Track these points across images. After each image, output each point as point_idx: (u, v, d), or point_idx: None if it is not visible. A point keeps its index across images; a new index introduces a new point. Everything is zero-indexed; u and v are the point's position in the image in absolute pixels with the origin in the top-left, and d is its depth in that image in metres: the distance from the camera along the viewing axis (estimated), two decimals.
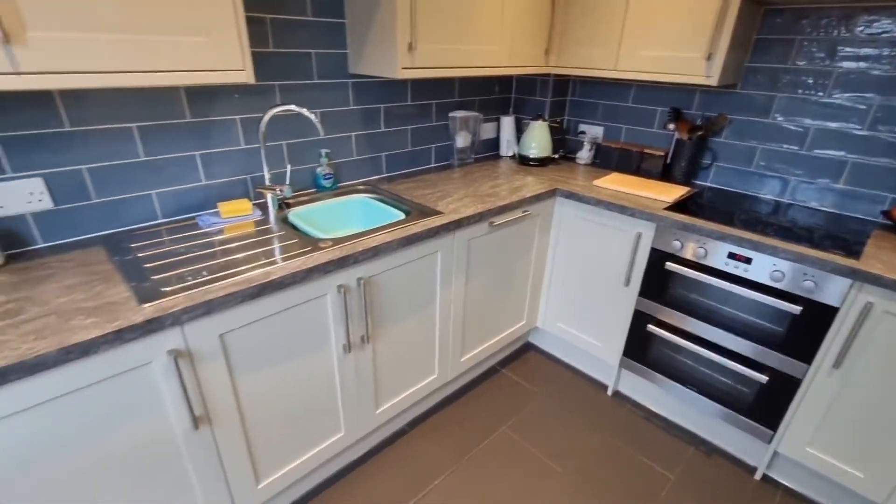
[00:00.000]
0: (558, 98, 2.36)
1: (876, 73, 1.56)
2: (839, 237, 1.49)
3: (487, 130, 2.41)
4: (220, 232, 1.38)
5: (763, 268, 1.47)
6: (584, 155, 2.33)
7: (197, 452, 1.15)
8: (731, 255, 1.53)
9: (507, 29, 1.82)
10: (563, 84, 2.35)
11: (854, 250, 1.38)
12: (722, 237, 1.52)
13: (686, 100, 2.02)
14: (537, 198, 1.85)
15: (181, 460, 1.13)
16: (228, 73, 1.15)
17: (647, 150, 2.11)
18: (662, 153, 2.07)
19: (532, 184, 1.96)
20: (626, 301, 1.87)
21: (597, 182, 1.98)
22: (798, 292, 1.41)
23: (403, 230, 1.43)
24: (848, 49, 1.60)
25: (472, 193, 1.81)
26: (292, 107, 1.42)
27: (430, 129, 2.12)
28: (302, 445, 1.43)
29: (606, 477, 1.67)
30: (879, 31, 1.53)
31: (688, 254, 1.63)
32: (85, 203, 1.29)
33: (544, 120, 2.22)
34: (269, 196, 1.53)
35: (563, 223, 1.99)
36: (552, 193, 1.93)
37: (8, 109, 1.12)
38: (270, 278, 1.13)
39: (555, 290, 2.13)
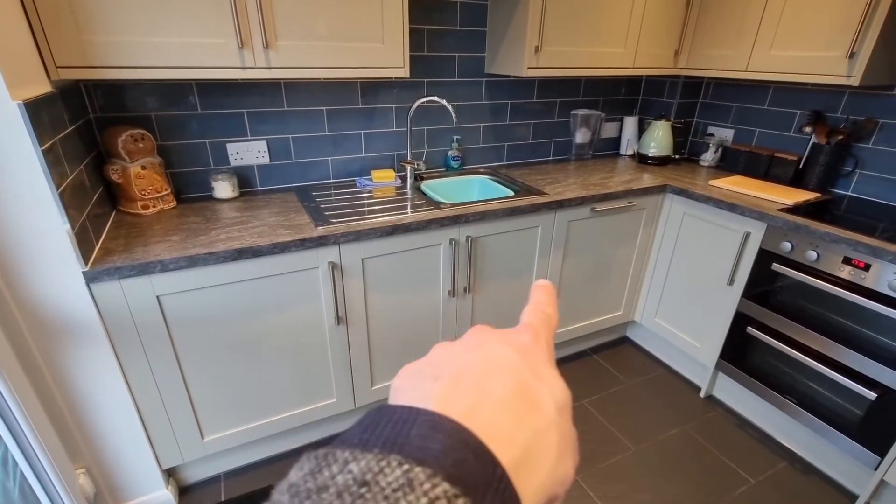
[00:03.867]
0: (688, 100, 2.37)
1: None
2: None
3: (609, 129, 2.53)
4: (371, 192, 1.81)
5: (882, 275, 1.39)
6: (709, 157, 2.30)
7: (336, 342, 1.58)
8: (847, 260, 1.46)
9: (634, 31, 1.95)
10: (694, 86, 2.35)
11: None
12: (837, 240, 1.47)
13: (832, 102, 1.90)
14: (644, 191, 1.95)
15: (325, 345, 1.57)
16: (393, 70, 1.56)
17: (778, 154, 2.03)
18: (795, 158, 1.97)
19: (644, 178, 2.06)
20: (728, 301, 1.86)
21: (714, 182, 1.99)
22: None
23: (509, 203, 1.70)
24: None
25: (580, 182, 1.99)
26: (435, 98, 1.79)
27: (551, 125, 2.34)
28: None
29: (679, 463, 1.71)
30: None
31: (798, 256, 1.59)
32: (287, 162, 1.84)
33: (668, 119, 2.27)
34: (408, 169, 1.93)
35: (671, 219, 2.04)
36: (662, 189, 2.00)
37: (255, 93, 1.68)
38: (401, 222, 1.50)
39: (655, 286, 2.17)
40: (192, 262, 1.25)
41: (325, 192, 1.79)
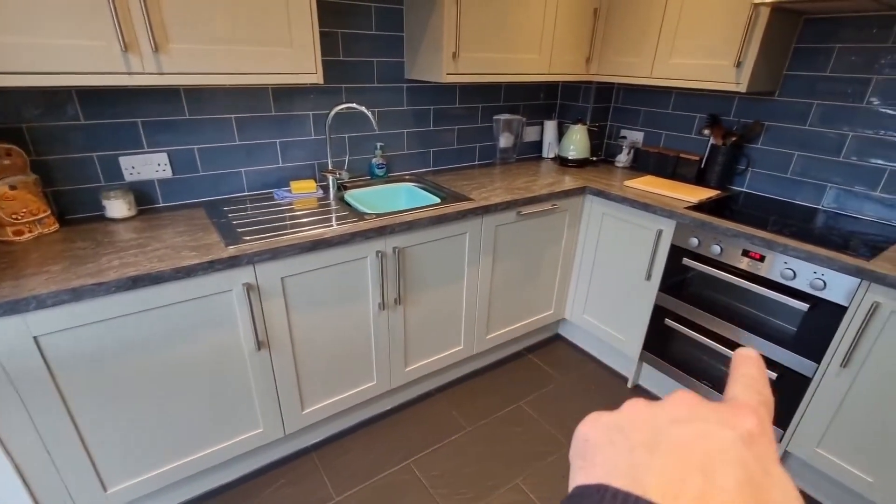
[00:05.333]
0: (601, 104, 2.50)
1: None
2: (862, 241, 1.51)
3: (531, 133, 2.59)
4: (290, 204, 1.71)
5: (775, 265, 1.53)
6: (623, 158, 2.43)
7: (258, 369, 1.46)
8: (746, 253, 1.60)
9: (548, 39, 2.01)
10: (606, 91, 2.48)
11: (870, 253, 1.41)
12: (736, 234, 1.59)
13: (725, 106, 2.08)
14: (566, 193, 2.01)
15: (246, 373, 1.45)
16: (304, 76, 1.47)
17: (682, 155, 2.19)
18: (697, 158, 2.13)
19: (565, 181, 2.13)
20: (647, 295, 1.97)
21: (628, 182, 2.10)
22: (808, 290, 1.46)
23: (435, 211, 1.68)
24: (887, 57, 1.60)
25: (505, 186, 2.01)
26: (353, 104, 1.73)
27: (475, 130, 2.36)
28: (340, 385, 1.71)
29: None
30: None
31: (704, 250, 1.71)
32: (194, 175, 1.68)
33: (584, 124, 2.37)
34: (330, 178, 1.84)
35: (592, 219, 2.12)
36: (582, 190, 2.08)
37: (149, 101, 1.52)
38: (323, 237, 1.42)
39: (582, 284, 2.26)
40: (77, 295, 1.10)
41: (239, 206, 1.66)
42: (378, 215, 1.61)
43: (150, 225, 1.48)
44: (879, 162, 1.68)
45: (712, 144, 2.07)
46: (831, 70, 1.74)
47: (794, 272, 1.48)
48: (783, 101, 1.89)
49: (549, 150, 2.59)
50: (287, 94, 1.76)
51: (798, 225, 1.65)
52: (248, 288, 1.34)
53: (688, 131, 2.24)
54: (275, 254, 1.34)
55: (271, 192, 1.82)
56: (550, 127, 2.55)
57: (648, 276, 1.94)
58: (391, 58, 1.95)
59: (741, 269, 1.62)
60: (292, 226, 1.49)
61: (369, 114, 1.69)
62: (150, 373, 1.28)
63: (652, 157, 2.31)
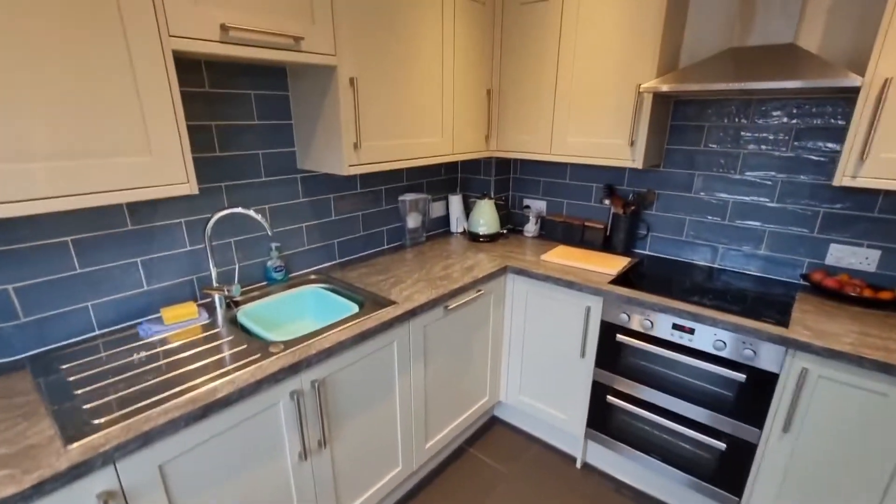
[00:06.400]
0: (502, 176, 2.50)
1: (776, 154, 1.77)
2: (769, 302, 1.61)
3: (437, 209, 2.49)
4: (163, 342, 1.31)
5: (706, 337, 1.55)
6: (531, 228, 2.44)
7: None
8: (676, 326, 1.61)
9: (448, 120, 1.94)
10: (505, 163, 2.50)
11: (783, 317, 1.49)
12: (664, 310, 1.60)
13: (618, 176, 2.20)
14: (489, 276, 1.90)
15: None
16: (171, 188, 1.15)
17: (587, 223, 2.25)
18: (602, 226, 2.21)
19: (483, 261, 2.02)
20: (583, 372, 1.90)
21: (545, 257, 2.07)
22: (741, 360, 1.49)
23: (358, 325, 1.42)
24: (749, 134, 1.81)
25: (425, 277, 1.84)
26: (238, 209, 1.43)
27: (380, 213, 2.17)
28: None
29: None
30: (772, 119, 1.75)
31: (635, 325, 1.70)
32: (11, 324, 1.21)
33: (490, 198, 2.33)
34: (216, 297, 1.49)
35: (516, 298, 2.04)
36: (503, 270, 1.99)
37: None
38: (216, 396, 1.07)
39: (514, 364, 2.14)
40: None
41: (84, 358, 1.22)
42: (287, 343, 1.30)
43: None
44: (756, 224, 1.87)
45: (613, 213, 2.15)
46: (705, 144, 1.92)
47: (725, 343, 1.51)
48: (669, 171, 2.04)
49: (457, 225, 2.50)
50: (149, 204, 1.40)
51: (711, 290, 1.73)
52: (107, 498, 0.93)
53: (587, 199, 2.33)
54: (146, 439, 0.96)
55: (135, 327, 1.39)
56: (456, 202, 2.47)
57: (583, 354, 1.88)
58: (280, 148, 1.70)
59: (674, 343, 1.63)
60: (170, 381, 1.11)
61: (259, 218, 1.41)
62: None
63: (559, 226, 2.34)
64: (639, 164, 1.82)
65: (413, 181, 2.30)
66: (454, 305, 1.75)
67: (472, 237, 2.36)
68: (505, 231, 2.42)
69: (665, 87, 1.57)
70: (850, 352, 1.28)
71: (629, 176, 2.17)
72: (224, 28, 1.16)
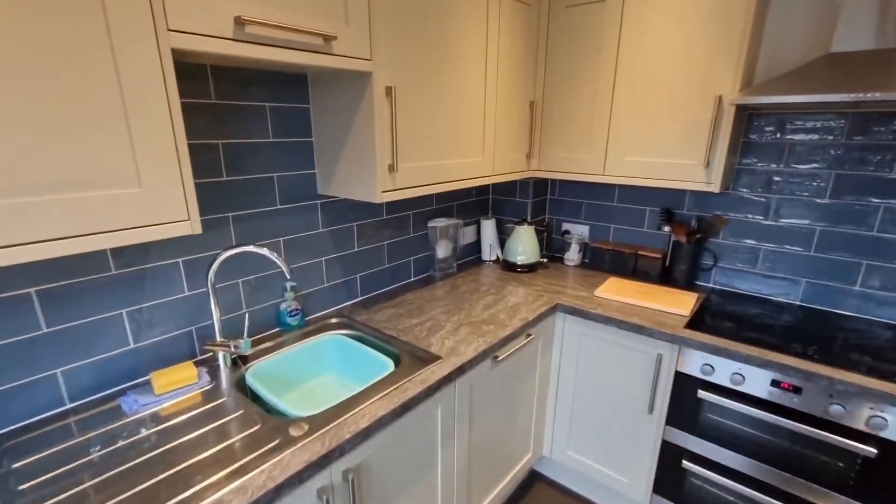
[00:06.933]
0: (539, 198, 2.24)
1: (880, 176, 1.52)
2: (882, 352, 1.34)
3: (467, 235, 2.22)
4: (152, 419, 1.02)
5: (817, 399, 1.28)
6: (573, 256, 2.17)
7: None
8: (776, 383, 1.33)
9: (490, 137, 1.69)
10: (542, 183, 2.24)
11: None
12: (763, 364, 1.33)
13: (677, 199, 1.94)
14: (539, 318, 1.63)
15: None
16: (167, 228, 0.88)
17: (641, 252, 1.98)
18: (659, 255, 1.94)
19: (528, 298, 1.75)
20: (651, 431, 1.62)
21: (598, 292, 1.80)
22: (866, 429, 1.22)
23: (398, 392, 1.14)
24: (842, 152, 1.56)
25: (466, 319, 1.56)
26: (250, 248, 1.15)
27: (407, 242, 1.90)
28: None
29: None
30: (875, 136, 1.50)
31: (721, 379, 1.43)
32: None
33: (529, 223, 2.07)
34: (219, 354, 1.20)
35: (567, 341, 1.76)
36: (552, 310, 1.71)
37: None
38: None
39: (563, 415, 1.85)
40: None
41: (46, 449, 0.93)
42: (311, 421, 1.02)
43: None
44: (847, 256, 1.61)
45: (675, 241, 1.89)
46: (786, 164, 1.67)
47: (844, 407, 1.24)
48: (739, 194, 1.78)
49: (490, 252, 2.23)
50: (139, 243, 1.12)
51: (806, 335, 1.46)
52: None
53: (638, 224, 2.07)
54: None
55: (118, 398, 1.11)
56: (489, 227, 2.21)
57: (650, 409, 1.60)
58: (298, 170, 1.43)
59: (773, 403, 1.35)
60: (157, 490, 0.82)
61: (278, 259, 1.14)
62: None
63: (607, 255, 2.07)
64: (715, 188, 1.56)
65: (442, 205, 2.03)
66: (504, 356, 1.47)
67: (508, 266, 2.09)
68: (545, 260, 2.15)
69: (768, 100, 1.31)
70: None
71: (690, 198, 1.91)
72: (239, 22, 0.90)
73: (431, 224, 1.94)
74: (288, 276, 1.17)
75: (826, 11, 1.50)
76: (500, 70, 1.65)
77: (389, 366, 1.28)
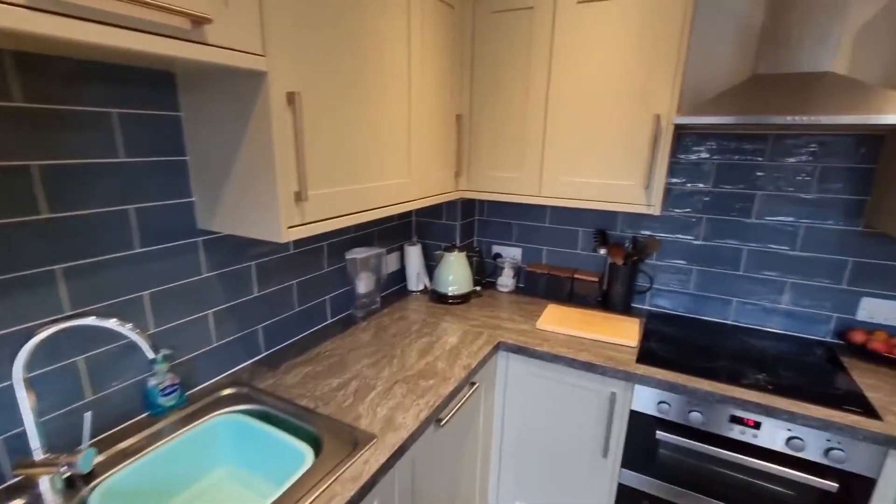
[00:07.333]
0: (466, 220, 2.06)
1: (798, 196, 1.55)
2: (820, 373, 1.34)
3: (391, 263, 1.96)
4: None
5: (776, 433, 1.22)
6: (507, 282, 2.01)
7: None
8: (736, 419, 1.26)
9: (418, 157, 1.45)
10: (470, 203, 2.06)
11: (859, 401, 1.21)
12: (723, 400, 1.25)
13: (609, 219, 1.87)
14: (482, 362, 1.42)
15: None
16: None
17: (578, 276, 1.87)
18: (596, 278, 1.85)
19: (466, 337, 1.54)
20: (606, 475, 1.49)
21: (540, 324, 1.64)
22: (827, 462, 1.17)
23: (324, 497, 0.84)
24: (765, 173, 1.58)
25: (399, 374, 1.29)
26: (87, 321, 0.79)
27: (322, 279, 1.59)
28: None
29: None
30: (793, 157, 1.53)
31: (677, 417, 1.33)
32: None
33: (459, 249, 1.87)
34: (42, 481, 0.81)
35: (512, 383, 1.58)
36: (495, 349, 1.52)
37: None
38: None
39: (509, 464, 1.66)
40: None
41: None
42: None
43: None
44: (774, 274, 1.63)
45: (611, 263, 1.80)
46: (715, 184, 1.66)
47: (803, 440, 1.19)
48: (669, 214, 1.75)
49: (417, 282, 1.99)
50: None
51: (744, 358, 1.42)
52: None
53: (571, 246, 1.97)
54: None
55: None
56: (415, 253, 1.96)
57: (605, 453, 1.46)
58: (167, 199, 1.06)
59: (734, 439, 1.27)
60: None
61: (131, 332, 0.79)
62: None
63: (542, 279, 1.94)
64: (656, 211, 1.49)
65: (360, 232, 1.75)
66: (448, 416, 1.24)
67: (439, 298, 1.86)
68: (478, 288, 1.96)
69: (711, 120, 1.25)
70: None
71: (622, 219, 1.85)
72: None
73: (350, 255, 1.65)
74: (150, 355, 0.82)
75: (747, 34, 1.50)
76: (425, 78, 1.43)
77: (307, 456, 0.97)
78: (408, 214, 2.04)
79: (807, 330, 1.62)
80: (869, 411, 1.16)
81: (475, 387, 1.39)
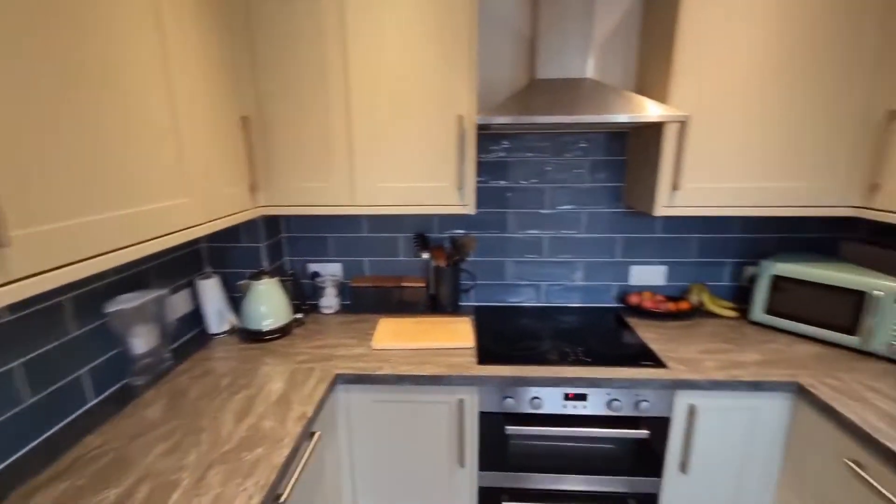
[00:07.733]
0: (273, 239, 1.78)
1: (578, 186, 1.78)
2: (615, 336, 1.57)
3: (179, 304, 1.55)
4: None
5: (599, 400, 1.36)
6: (331, 302, 1.81)
7: None
8: (567, 396, 1.36)
9: (197, 168, 1.14)
10: (273, 220, 1.78)
11: (650, 355, 1.44)
12: (556, 382, 1.33)
13: (426, 222, 1.85)
14: (321, 405, 1.21)
15: None
16: None
17: (404, 283, 1.80)
18: (423, 283, 1.81)
19: (295, 377, 1.30)
20: (466, 483, 1.46)
21: (375, 344, 1.51)
22: (639, 413, 1.36)
23: None
24: (552, 168, 1.77)
25: (214, 451, 0.99)
26: None
27: (67, 347, 1.12)
28: None
29: None
30: (571, 152, 1.75)
31: (522, 407, 1.38)
32: None
33: (269, 275, 1.59)
34: None
35: (356, 416, 1.41)
36: (332, 384, 1.32)
37: None
38: None
39: (367, 500, 1.49)
40: None
41: None
42: None
43: None
44: (569, 256, 1.86)
45: (436, 267, 1.78)
46: (514, 180, 1.79)
47: (620, 401, 1.35)
48: (480, 212, 1.82)
49: (220, 322, 1.62)
50: None
51: (557, 334, 1.58)
52: None
53: (393, 254, 1.89)
54: None
55: None
56: (211, 288, 1.59)
57: (461, 461, 1.43)
58: None
59: (568, 415, 1.38)
60: None
61: None
62: None
63: (368, 293, 1.81)
64: (471, 210, 1.51)
65: (127, 273, 1.31)
66: (290, 487, 1.00)
67: (252, 336, 1.55)
68: (300, 315, 1.70)
69: (503, 119, 1.30)
70: (726, 379, 1.30)
71: (439, 220, 1.85)
72: None
73: (113, 308, 1.21)
74: None
75: (524, 42, 1.65)
76: (187, 67, 1.13)
77: None
78: (194, 241, 1.65)
79: (599, 300, 1.90)
80: (657, 362, 1.39)
81: (315, 437, 1.17)
